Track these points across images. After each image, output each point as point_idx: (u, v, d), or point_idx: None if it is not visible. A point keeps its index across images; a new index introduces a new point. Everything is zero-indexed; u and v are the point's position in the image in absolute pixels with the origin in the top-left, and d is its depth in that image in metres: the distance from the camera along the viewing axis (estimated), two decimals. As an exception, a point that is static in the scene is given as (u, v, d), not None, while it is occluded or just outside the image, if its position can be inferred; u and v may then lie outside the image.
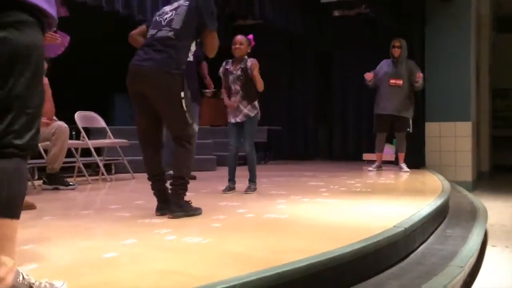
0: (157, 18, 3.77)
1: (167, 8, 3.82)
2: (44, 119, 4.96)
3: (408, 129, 7.47)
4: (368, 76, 7.51)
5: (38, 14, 1.78)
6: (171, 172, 3.77)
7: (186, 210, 3.59)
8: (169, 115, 3.62)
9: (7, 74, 1.69)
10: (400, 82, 7.35)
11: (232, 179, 5.11)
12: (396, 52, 7.42)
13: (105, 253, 2.44)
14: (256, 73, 4.92)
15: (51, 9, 1.84)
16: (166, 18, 3.69)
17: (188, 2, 3.72)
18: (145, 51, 3.62)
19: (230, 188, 5.06)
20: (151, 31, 3.71)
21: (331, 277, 2.34)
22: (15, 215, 1.75)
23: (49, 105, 5.14)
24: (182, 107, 3.56)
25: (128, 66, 3.66)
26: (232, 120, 5.04)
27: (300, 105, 10.76)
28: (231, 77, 5.01)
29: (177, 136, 3.63)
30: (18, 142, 1.71)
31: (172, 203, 3.58)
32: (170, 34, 3.61)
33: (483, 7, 9.71)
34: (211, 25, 3.74)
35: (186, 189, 3.64)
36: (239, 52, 4.96)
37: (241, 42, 4.97)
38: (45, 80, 4.98)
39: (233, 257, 2.44)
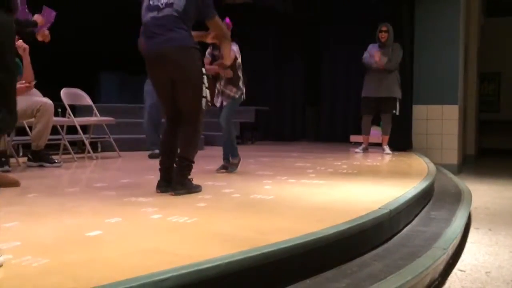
0: (151, 2, 3.66)
1: None
2: (23, 84, 4.90)
3: (394, 111, 7.49)
4: (377, 55, 7.40)
5: None
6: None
7: (188, 188, 3.66)
8: (188, 88, 3.65)
9: None
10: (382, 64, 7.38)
11: (226, 158, 5.15)
12: (383, 36, 7.45)
13: (90, 231, 2.43)
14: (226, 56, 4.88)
15: None
16: (163, 2, 3.61)
17: None
18: (155, 34, 3.58)
19: (224, 167, 5.12)
20: (150, 14, 3.63)
21: (316, 257, 2.34)
22: None
23: (28, 70, 5.04)
24: (201, 80, 3.70)
25: (145, 54, 3.66)
26: (218, 105, 5.06)
27: (287, 86, 10.74)
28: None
29: (190, 113, 3.68)
30: None
31: (176, 182, 3.65)
32: (175, 13, 3.57)
33: (473, -10, 9.71)
34: (212, 12, 3.77)
35: (190, 170, 3.73)
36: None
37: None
38: (24, 45, 4.90)
39: (218, 237, 2.44)
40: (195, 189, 3.73)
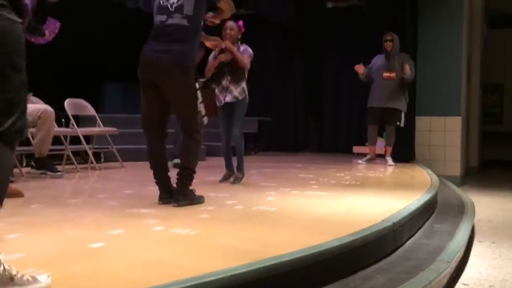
0: (161, 2, 3.68)
1: None
2: None
3: (398, 123, 7.50)
4: (359, 68, 7.53)
5: None
6: (178, 160, 3.79)
7: (190, 199, 3.66)
8: (182, 106, 3.66)
9: None
10: (393, 75, 7.40)
11: (228, 167, 5.17)
12: (388, 45, 7.46)
13: (92, 243, 2.43)
14: (235, 52, 4.95)
15: None
16: (173, 3, 3.62)
17: None
18: (161, 41, 3.59)
19: (228, 176, 5.13)
20: (159, 17, 3.65)
21: (319, 270, 2.34)
22: None
23: None
24: (196, 98, 3.68)
25: (141, 55, 3.66)
26: (222, 101, 5.05)
27: (290, 97, 10.75)
28: (222, 64, 5.04)
29: (187, 127, 3.69)
30: None
31: (178, 193, 3.65)
32: (184, 21, 3.59)
33: (476, 2, 9.72)
34: None
35: (192, 180, 3.72)
36: (230, 37, 5.00)
37: (232, 27, 5.04)
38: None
39: (221, 249, 2.44)
40: (198, 200, 3.73)
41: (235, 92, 5.00)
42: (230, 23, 5.05)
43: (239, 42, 5.10)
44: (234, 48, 4.96)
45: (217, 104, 5.13)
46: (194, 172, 3.74)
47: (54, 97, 5.94)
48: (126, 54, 6.50)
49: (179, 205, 3.58)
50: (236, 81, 5.00)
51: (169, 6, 3.62)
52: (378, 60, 7.58)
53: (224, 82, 5.03)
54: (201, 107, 3.68)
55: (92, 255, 2.26)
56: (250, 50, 5.07)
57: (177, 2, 3.62)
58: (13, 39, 1.73)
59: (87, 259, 2.19)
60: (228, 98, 5.00)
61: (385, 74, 7.41)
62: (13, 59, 1.73)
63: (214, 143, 8.35)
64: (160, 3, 3.69)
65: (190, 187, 3.73)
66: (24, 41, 1.79)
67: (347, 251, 2.52)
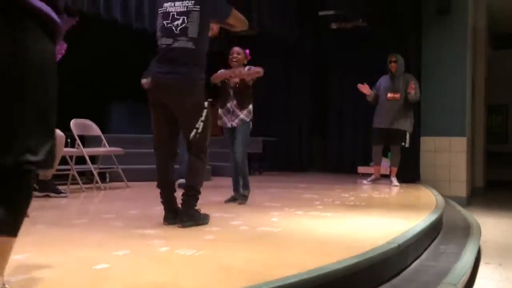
0: (165, 23, 3.66)
1: (171, 8, 3.67)
2: None
3: (403, 143, 7.49)
4: (363, 88, 7.55)
5: (45, 20, 1.72)
6: (183, 180, 3.79)
7: (195, 219, 3.64)
8: (190, 125, 3.65)
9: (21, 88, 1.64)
10: (398, 96, 7.42)
11: (236, 189, 5.16)
12: (393, 67, 7.50)
13: (97, 264, 2.43)
14: (245, 75, 5.00)
15: (55, 15, 1.78)
16: (178, 25, 3.61)
17: (198, 7, 3.62)
18: (168, 64, 3.61)
19: (234, 198, 5.13)
20: (165, 40, 3.65)
21: (324, 293, 2.33)
22: (17, 233, 1.72)
23: None
24: (204, 117, 3.64)
25: (151, 76, 3.72)
26: (228, 125, 5.07)
27: (295, 116, 10.76)
28: (228, 85, 5.08)
29: (194, 147, 3.67)
30: (33, 158, 1.65)
31: (182, 213, 3.64)
32: (190, 44, 3.59)
33: (480, 23, 9.78)
34: (228, 14, 3.83)
35: (197, 200, 3.71)
36: (237, 63, 5.07)
37: (239, 52, 5.10)
38: None
39: (225, 270, 2.43)
40: (203, 220, 3.73)
41: (241, 115, 5.03)
42: (237, 48, 5.12)
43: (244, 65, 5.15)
44: (243, 71, 5.01)
45: (219, 124, 5.15)
46: (199, 193, 3.73)
47: (60, 117, 5.96)
48: (132, 74, 6.57)
49: (184, 226, 3.58)
50: (242, 105, 5.03)
51: (173, 29, 3.62)
52: (383, 81, 7.61)
53: (230, 105, 5.06)
54: (201, 125, 3.66)
55: (96, 277, 2.26)
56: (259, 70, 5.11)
57: (181, 24, 3.62)
58: (52, 66, 1.72)
59: (91, 281, 2.19)
60: (235, 123, 5.04)
61: (390, 95, 7.44)
62: (52, 87, 1.72)
63: (220, 163, 8.37)
64: (164, 24, 3.67)
65: (196, 207, 3.73)
66: (56, 65, 1.77)
67: (352, 273, 2.51)
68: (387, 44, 8.32)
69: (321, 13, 8.84)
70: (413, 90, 7.33)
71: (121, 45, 8.20)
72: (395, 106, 7.41)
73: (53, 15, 1.73)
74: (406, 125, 7.48)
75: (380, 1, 8.41)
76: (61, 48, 5.17)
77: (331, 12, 8.92)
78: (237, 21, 3.94)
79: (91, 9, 6.31)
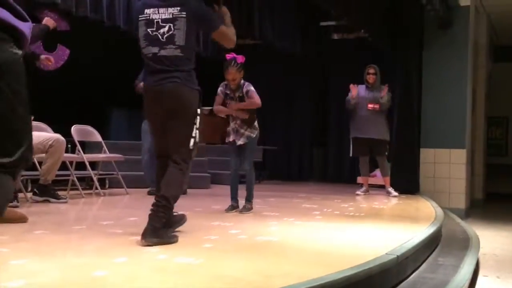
0: (149, 31, 3.48)
1: (154, 16, 3.48)
2: None
3: (386, 152, 7.55)
4: (353, 89, 7.52)
5: (12, 31, 1.80)
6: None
7: (160, 237, 3.23)
8: (180, 131, 3.48)
9: None
10: (377, 106, 7.46)
11: (234, 198, 5.15)
12: (371, 78, 7.54)
13: (95, 271, 2.43)
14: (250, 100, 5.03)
15: (22, 26, 1.85)
16: (164, 33, 3.45)
17: (184, 13, 3.46)
18: (157, 73, 3.47)
19: (233, 207, 5.10)
20: (151, 49, 3.48)
21: (322, 303, 2.32)
22: None
23: None
24: (196, 124, 3.49)
25: (146, 88, 3.59)
26: (234, 139, 5.10)
27: (296, 126, 10.77)
28: (230, 102, 5.09)
29: (178, 154, 3.46)
30: (5, 160, 1.71)
31: (149, 226, 3.22)
32: (177, 52, 3.44)
33: (481, 36, 9.82)
34: (215, 27, 3.63)
35: (167, 214, 3.34)
36: (234, 84, 4.99)
37: (234, 78, 4.96)
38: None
39: (223, 279, 2.43)
40: (169, 239, 3.30)
41: (246, 133, 5.06)
42: (232, 73, 4.95)
43: (242, 81, 5.05)
44: (240, 113, 5.04)
45: (226, 139, 5.18)
46: (172, 206, 3.38)
47: (60, 123, 6.00)
48: (132, 80, 6.58)
49: (147, 243, 3.17)
50: (247, 123, 5.06)
51: (159, 37, 3.47)
52: (361, 90, 7.61)
53: (234, 125, 5.09)
54: (197, 133, 3.57)
55: (94, 284, 2.26)
56: (252, 87, 5.04)
57: (168, 31, 3.47)
58: (16, 70, 1.78)
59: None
60: (241, 141, 5.06)
61: (370, 106, 7.45)
62: (18, 90, 1.77)
63: (218, 171, 8.37)
64: (149, 32, 3.50)
65: (180, 212, 3.58)
66: (24, 72, 1.84)
67: (351, 284, 2.51)
68: (388, 56, 8.34)
69: (323, 23, 8.87)
70: (385, 96, 7.34)
71: (122, 53, 8.23)
72: (376, 116, 7.44)
73: (14, 21, 1.80)
74: (386, 135, 7.55)
75: (383, 13, 8.43)
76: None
77: (332, 23, 8.96)
78: (223, 38, 3.72)
79: (94, 15, 6.34)
